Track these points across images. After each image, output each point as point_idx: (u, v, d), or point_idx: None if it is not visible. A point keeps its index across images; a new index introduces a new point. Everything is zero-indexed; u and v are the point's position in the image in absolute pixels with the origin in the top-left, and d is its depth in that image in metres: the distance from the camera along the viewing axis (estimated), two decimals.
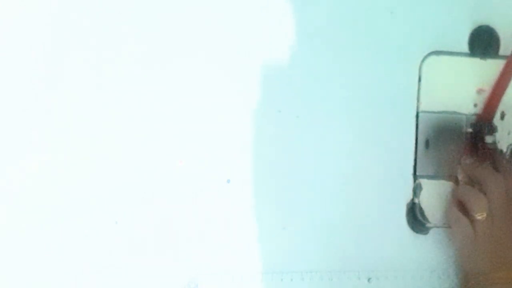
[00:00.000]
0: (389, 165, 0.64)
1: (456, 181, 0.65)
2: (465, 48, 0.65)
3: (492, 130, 0.65)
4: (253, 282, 0.62)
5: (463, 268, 0.64)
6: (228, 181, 0.61)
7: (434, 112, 0.65)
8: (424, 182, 0.65)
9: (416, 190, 0.65)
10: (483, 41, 0.65)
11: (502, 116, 0.66)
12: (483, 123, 0.65)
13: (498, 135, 0.65)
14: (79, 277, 0.59)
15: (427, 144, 0.65)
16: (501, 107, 0.65)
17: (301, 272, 0.63)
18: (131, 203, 0.60)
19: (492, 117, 0.65)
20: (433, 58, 0.64)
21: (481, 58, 0.65)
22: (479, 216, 0.61)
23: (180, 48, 0.60)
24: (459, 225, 0.63)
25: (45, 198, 0.58)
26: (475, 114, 0.66)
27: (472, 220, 0.62)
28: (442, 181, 0.65)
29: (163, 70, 0.60)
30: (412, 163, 0.65)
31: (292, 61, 0.62)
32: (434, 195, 0.65)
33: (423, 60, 0.64)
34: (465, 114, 0.65)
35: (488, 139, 0.65)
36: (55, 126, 0.58)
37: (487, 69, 0.65)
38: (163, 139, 0.60)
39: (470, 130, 0.65)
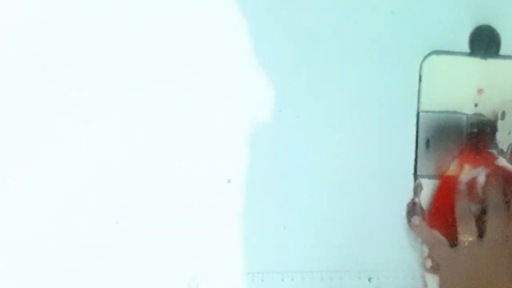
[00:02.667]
0: (389, 165, 0.64)
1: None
2: (465, 47, 0.65)
3: (493, 130, 0.65)
4: (253, 282, 0.62)
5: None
6: (228, 181, 0.61)
7: (434, 112, 0.65)
8: (424, 181, 0.65)
9: (417, 190, 0.65)
10: (483, 41, 0.65)
11: (502, 116, 0.66)
12: (483, 123, 0.65)
13: (498, 135, 0.65)
14: (80, 277, 0.59)
15: (427, 143, 0.65)
16: (501, 107, 0.65)
17: (302, 272, 0.63)
18: (131, 203, 0.60)
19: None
20: (433, 58, 0.64)
21: (481, 57, 0.65)
22: (466, 241, 0.61)
23: (179, 47, 0.60)
24: (438, 244, 0.62)
25: (46, 198, 0.58)
26: (476, 114, 0.66)
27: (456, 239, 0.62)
28: None
29: (164, 70, 0.60)
30: (412, 163, 0.65)
31: (292, 61, 0.62)
32: None
33: (423, 60, 0.64)
34: (466, 114, 0.65)
35: (489, 139, 0.65)
36: (55, 126, 0.59)
37: (488, 69, 0.65)
38: (163, 139, 0.60)
39: (473, 130, 0.65)
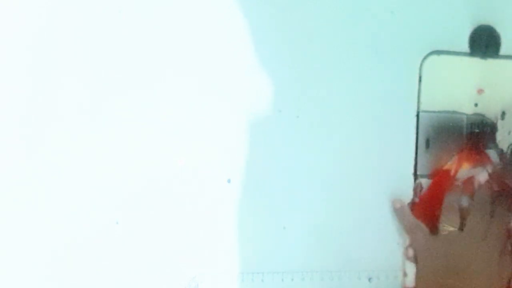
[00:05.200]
0: (389, 165, 0.64)
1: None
2: (465, 47, 0.65)
3: (493, 130, 0.65)
4: (253, 282, 0.62)
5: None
6: (228, 181, 0.61)
7: (434, 112, 0.65)
8: (424, 181, 0.65)
9: (416, 190, 0.65)
10: (483, 41, 0.65)
11: (503, 116, 0.66)
12: (484, 123, 0.65)
13: (499, 135, 0.65)
14: (80, 277, 0.59)
15: (427, 143, 0.65)
16: (501, 107, 0.65)
17: (302, 272, 0.63)
18: (131, 203, 0.60)
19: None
20: (433, 58, 0.64)
21: (481, 57, 0.65)
22: (445, 230, 0.61)
23: (179, 47, 0.60)
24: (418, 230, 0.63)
25: (46, 198, 0.58)
26: (476, 114, 0.66)
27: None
28: None
29: (164, 70, 0.60)
30: (412, 162, 0.65)
31: (292, 61, 0.62)
32: None
33: (423, 60, 0.64)
34: (466, 114, 0.65)
35: (489, 139, 0.65)
36: (55, 125, 0.58)
37: (488, 69, 0.65)
38: (163, 139, 0.60)
39: (473, 130, 0.65)
